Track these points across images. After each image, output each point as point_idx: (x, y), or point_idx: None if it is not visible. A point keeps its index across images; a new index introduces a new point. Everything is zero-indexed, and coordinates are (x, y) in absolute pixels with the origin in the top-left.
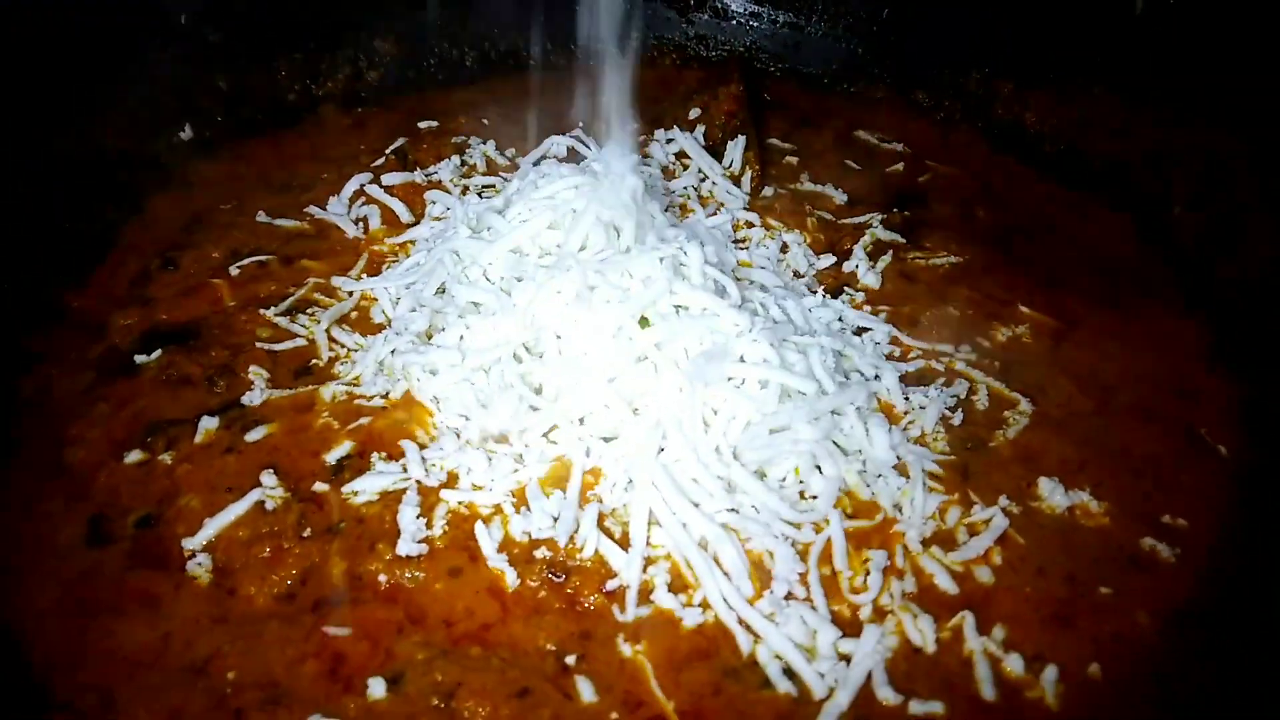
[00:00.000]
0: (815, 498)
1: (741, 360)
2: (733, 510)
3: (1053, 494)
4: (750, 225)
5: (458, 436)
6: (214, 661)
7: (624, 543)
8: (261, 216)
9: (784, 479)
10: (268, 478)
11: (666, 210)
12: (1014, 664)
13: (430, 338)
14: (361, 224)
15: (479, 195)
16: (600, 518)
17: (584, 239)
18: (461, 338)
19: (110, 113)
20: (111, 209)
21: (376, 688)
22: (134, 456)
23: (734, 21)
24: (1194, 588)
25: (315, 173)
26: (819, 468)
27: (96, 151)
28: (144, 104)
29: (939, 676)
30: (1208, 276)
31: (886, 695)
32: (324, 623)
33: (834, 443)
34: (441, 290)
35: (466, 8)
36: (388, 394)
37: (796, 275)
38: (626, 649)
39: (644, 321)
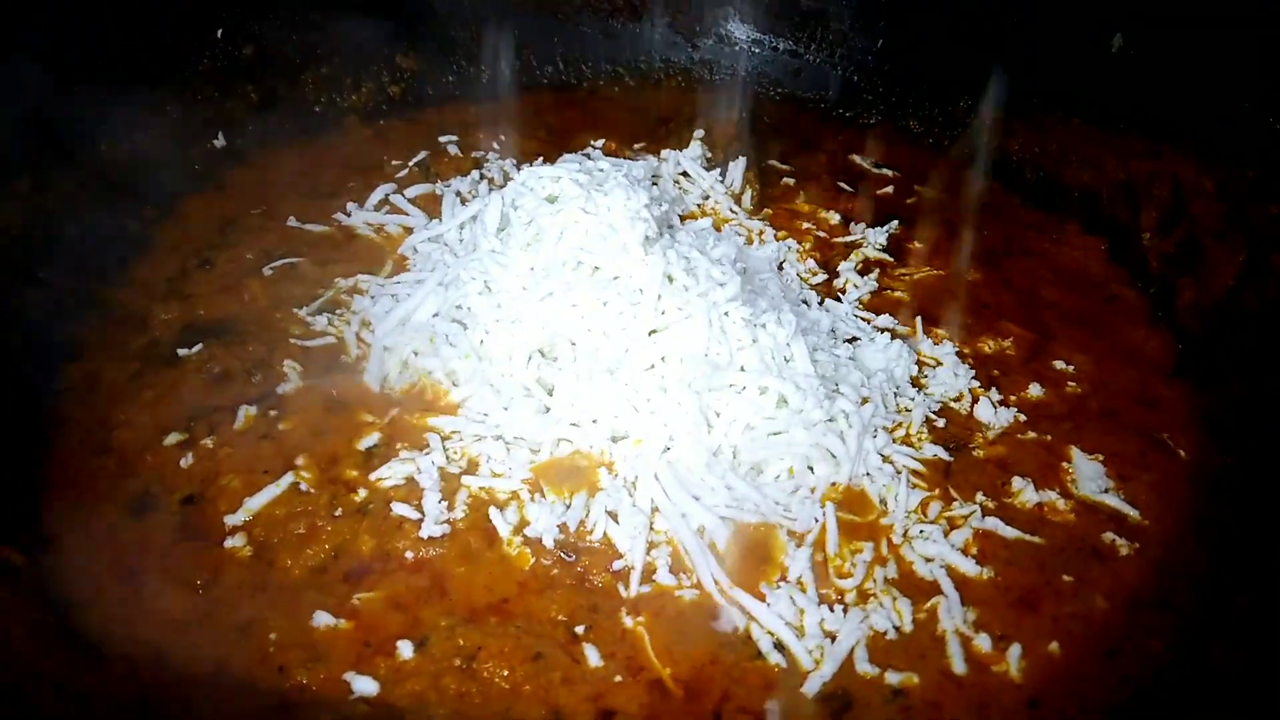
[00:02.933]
0: (814, 490)
1: (742, 369)
2: (733, 505)
3: (1024, 491)
4: (750, 242)
5: (479, 426)
6: (256, 624)
7: (629, 528)
8: (292, 221)
9: (778, 476)
10: (302, 462)
11: (673, 226)
12: (983, 642)
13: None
14: (385, 231)
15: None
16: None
17: (597, 252)
18: (481, 342)
19: (150, 120)
20: (150, 210)
21: (405, 649)
22: (178, 439)
23: (737, 48)
24: (1148, 577)
25: (341, 181)
26: (811, 468)
27: (137, 156)
28: (181, 113)
29: (915, 652)
30: (1172, 297)
31: (866, 668)
32: (355, 591)
33: (825, 438)
34: (462, 297)
35: (484, 27)
36: (412, 387)
37: (789, 285)
38: (629, 621)
39: (653, 332)
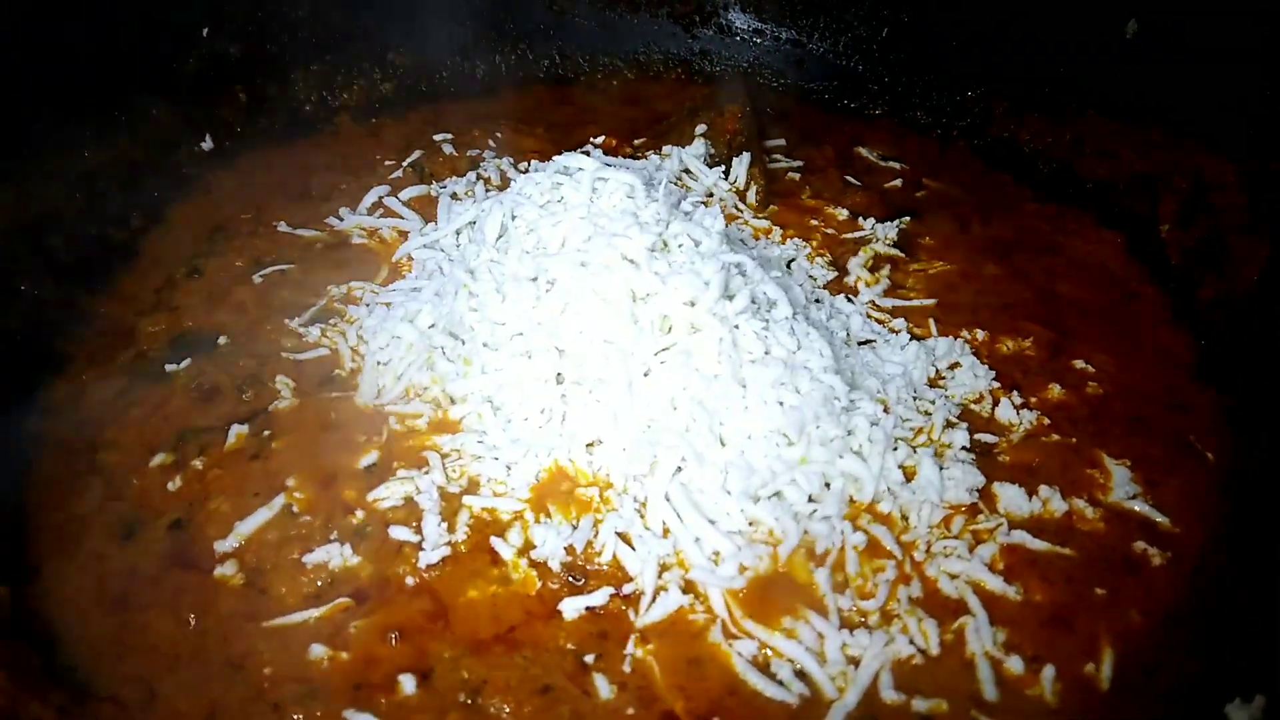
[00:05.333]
0: (832, 509)
1: (754, 384)
2: (748, 527)
3: (1051, 500)
4: (756, 239)
5: (479, 444)
6: (250, 658)
7: (640, 551)
8: (283, 226)
9: (796, 493)
10: (294, 483)
11: (678, 223)
12: (1014, 664)
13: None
14: (379, 236)
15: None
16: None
17: (601, 262)
18: (480, 357)
19: (134, 124)
20: (136, 218)
21: (407, 684)
22: (166, 460)
23: (737, 38)
24: (1181, 588)
25: (333, 183)
26: (828, 485)
27: (121, 161)
28: (167, 115)
29: (943, 677)
30: (1193, 293)
31: (891, 695)
32: (353, 621)
33: (844, 459)
34: (460, 309)
35: (477, 20)
36: (409, 402)
37: (799, 288)
38: (640, 650)
39: (662, 350)
